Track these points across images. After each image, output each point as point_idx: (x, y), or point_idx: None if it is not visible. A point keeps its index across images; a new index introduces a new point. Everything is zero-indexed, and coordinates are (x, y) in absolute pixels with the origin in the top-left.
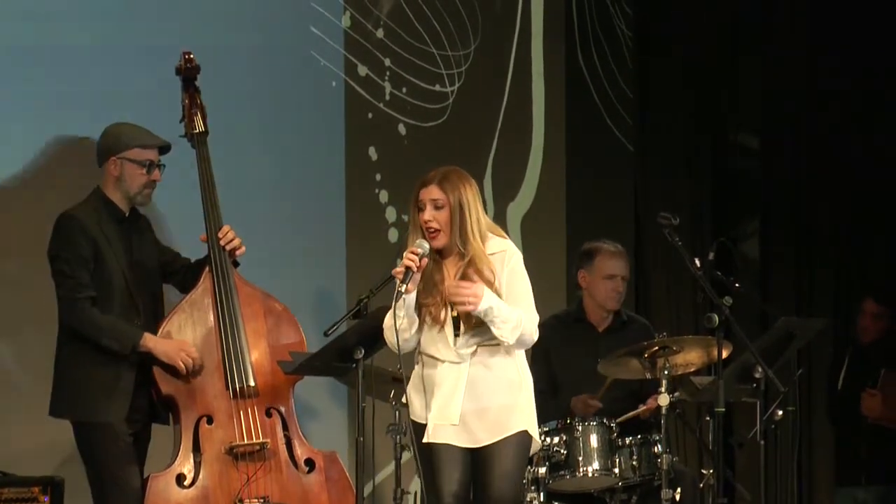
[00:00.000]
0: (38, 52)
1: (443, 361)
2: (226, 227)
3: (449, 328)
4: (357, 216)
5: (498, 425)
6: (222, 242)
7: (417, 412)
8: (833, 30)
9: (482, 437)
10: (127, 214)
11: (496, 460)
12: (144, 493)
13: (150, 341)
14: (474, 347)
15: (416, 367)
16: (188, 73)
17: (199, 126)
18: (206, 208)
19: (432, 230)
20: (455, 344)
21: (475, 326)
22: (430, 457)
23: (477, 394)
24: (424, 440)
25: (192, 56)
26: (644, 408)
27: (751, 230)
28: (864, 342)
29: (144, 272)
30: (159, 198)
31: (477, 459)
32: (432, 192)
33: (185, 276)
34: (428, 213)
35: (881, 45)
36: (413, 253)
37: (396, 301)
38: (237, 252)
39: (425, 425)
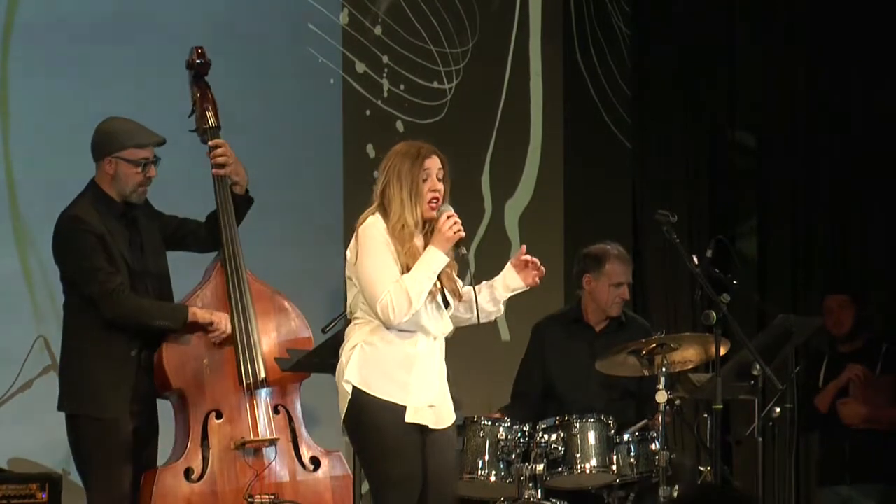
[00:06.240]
0: None
1: (430, 336)
2: (221, 141)
3: (439, 299)
4: (355, 213)
5: (451, 407)
6: (214, 153)
7: (391, 392)
8: (831, 28)
9: (445, 419)
10: (124, 209)
11: (450, 444)
12: (149, 490)
13: (194, 310)
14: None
15: (381, 344)
16: (200, 69)
17: (212, 121)
18: (218, 201)
19: (437, 200)
20: (449, 312)
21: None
22: (406, 442)
23: (442, 373)
24: (408, 420)
25: (203, 51)
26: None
27: (749, 228)
28: (840, 334)
29: (149, 264)
30: (166, 192)
31: (427, 442)
32: (438, 163)
33: (197, 235)
34: (438, 183)
35: (879, 45)
36: (453, 217)
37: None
38: (219, 171)
39: (401, 406)
